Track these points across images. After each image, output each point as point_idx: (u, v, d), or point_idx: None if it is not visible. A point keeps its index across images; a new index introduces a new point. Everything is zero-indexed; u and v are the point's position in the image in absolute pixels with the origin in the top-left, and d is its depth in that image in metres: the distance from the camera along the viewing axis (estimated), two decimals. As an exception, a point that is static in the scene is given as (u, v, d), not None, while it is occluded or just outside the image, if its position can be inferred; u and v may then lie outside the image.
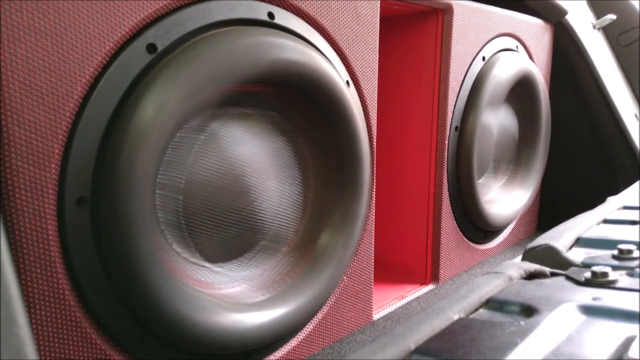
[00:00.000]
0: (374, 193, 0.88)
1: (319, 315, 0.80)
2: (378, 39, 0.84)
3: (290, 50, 0.66)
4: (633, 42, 1.51)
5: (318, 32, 0.75)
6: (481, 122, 1.08)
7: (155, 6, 0.56)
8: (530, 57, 1.28)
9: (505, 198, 1.24)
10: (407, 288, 1.05)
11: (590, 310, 0.46)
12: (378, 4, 0.83)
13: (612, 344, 0.39)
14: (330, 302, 0.82)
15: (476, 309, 0.51)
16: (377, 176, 1.10)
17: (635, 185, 1.07)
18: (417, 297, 1.01)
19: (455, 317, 0.48)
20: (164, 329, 0.58)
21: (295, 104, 0.73)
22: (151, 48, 0.56)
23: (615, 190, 1.28)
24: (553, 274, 0.60)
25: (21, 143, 0.48)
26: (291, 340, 0.75)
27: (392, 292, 1.02)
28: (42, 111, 0.49)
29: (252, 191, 0.71)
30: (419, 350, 0.41)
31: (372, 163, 0.86)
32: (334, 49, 0.77)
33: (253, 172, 0.71)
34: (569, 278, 0.58)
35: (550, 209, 1.43)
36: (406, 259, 1.11)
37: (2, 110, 0.47)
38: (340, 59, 0.79)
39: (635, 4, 1.51)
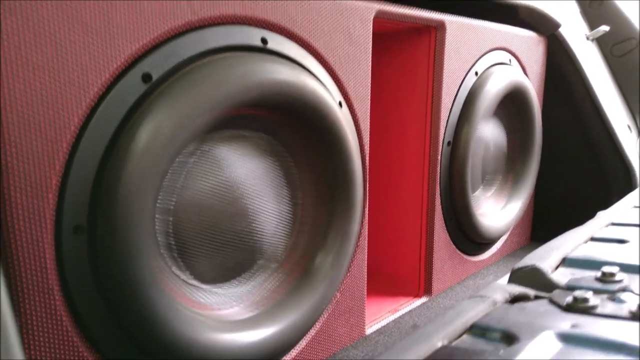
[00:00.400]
0: (367, 210, 0.90)
1: (312, 332, 0.82)
2: (370, 60, 0.86)
3: (283, 75, 0.68)
4: (626, 53, 1.52)
5: (311, 54, 0.76)
6: (474, 137, 1.09)
7: (151, 36, 0.57)
8: (524, 70, 1.29)
9: (498, 210, 1.25)
10: (401, 301, 1.06)
11: (568, 339, 0.48)
12: (370, 24, 0.85)
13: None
14: (323, 318, 0.84)
15: (460, 335, 0.52)
16: (371, 191, 1.12)
17: (625, 199, 1.09)
18: (410, 311, 1.03)
19: (439, 344, 0.49)
20: (162, 351, 0.59)
21: (288, 126, 0.75)
22: (146, 77, 0.58)
23: (609, 201, 1.30)
24: (537, 297, 0.62)
25: (20, 175, 0.50)
26: (285, 357, 0.77)
27: (386, 306, 1.04)
28: (39, 143, 0.51)
29: (248, 212, 0.73)
30: None
31: (365, 181, 0.88)
32: (326, 70, 0.79)
33: (249, 193, 0.73)
34: (552, 302, 0.59)
35: (544, 219, 1.45)
36: (400, 272, 1.12)
37: (1, 143, 0.48)
38: (333, 80, 0.80)
39: (630, 15, 1.53)
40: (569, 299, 0.57)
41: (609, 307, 0.55)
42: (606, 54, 1.54)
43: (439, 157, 1.05)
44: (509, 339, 0.49)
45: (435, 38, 1.02)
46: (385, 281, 1.13)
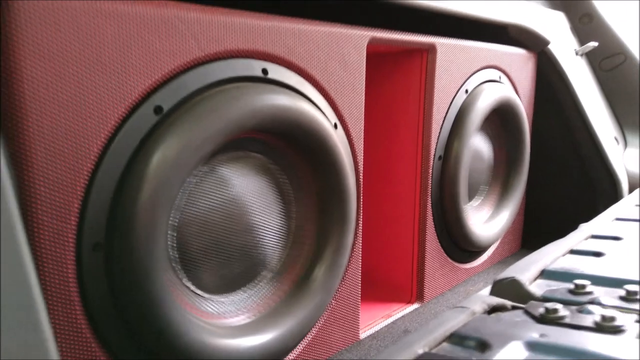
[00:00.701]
0: (360, 224, 0.95)
1: (309, 337, 0.88)
2: (364, 84, 0.92)
3: (282, 102, 0.74)
4: (614, 67, 1.58)
5: (308, 82, 0.82)
6: (464, 151, 1.15)
7: (162, 72, 0.64)
8: (514, 86, 1.35)
9: (488, 220, 1.31)
10: (394, 307, 1.12)
11: (535, 347, 0.53)
12: (364, 51, 0.91)
13: (546, 381, 0.47)
14: (319, 324, 0.89)
15: (440, 343, 0.58)
16: (366, 203, 1.18)
17: (608, 211, 1.14)
18: (403, 316, 1.09)
19: (420, 351, 0.55)
20: (173, 357, 0.65)
21: (287, 148, 0.81)
22: (158, 109, 0.64)
23: (595, 210, 1.36)
24: (514, 307, 0.68)
25: (45, 200, 0.56)
26: (283, 361, 0.83)
27: (379, 311, 1.09)
28: (63, 171, 0.57)
29: (246, 227, 0.79)
30: None
31: (359, 197, 0.94)
32: (323, 96, 0.85)
33: (248, 210, 0.79)
34: (526, 312, 0.65)
35: (534, 227, 1.51)
36: (393, 280, 1.18)
37: (30, 172, 0.54)
38: (329, 104, 0.86)
39: (617, 31, 1.58)
40: (541, 310, 0.63)
41: (577, 319, 0.60)
42: (595, 68, 1.60)
43: (430, 171, 1.11)
44: (483, 346, 0.55)
45: (426, 59, 1.08)
46: (380, 288, 1.19)
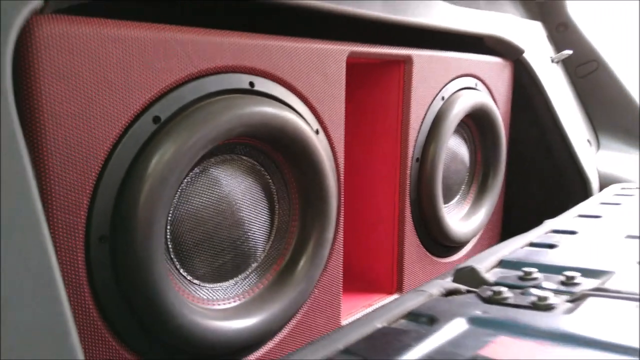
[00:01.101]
0: (341, 220, 1.05)
1: (293, 322, 0.97)
2: (344, 93, 1.01)
3: (267, 112, 0.83)
4: (589, 73, 1.67)
5: (292, 93, 0.92)
6: (440, 154, 1.25)
7: (160, 87, 0.73)
8: (490, 93, 1.44)
9: (466, 217, 1.40)
10: (374, 297, 1.21)
11: (474, 321, 0.63)
12: (344, 64, 1.00)
13: (478, 346, 0.56)
14: (303, 311, 0.99)
15: (398, 320, 0.67)
16: (349, 202, 1.27)
17: (575, 208, 1.24)
18: (382, 306, 1.18)
19: (379, 325, 0.64)
20: (169, 335, 0.75)
21: (274, 152, 0.90)
22: (156, 119, 0.73)
23: (566, 208, 1.45)
24: (468, 291, 0.77)
25: (60, 197, 0.65)
26: (268, 343, 0.92)
27: (361, 301, 1.19)
28: (74, 174, 0.66)
29: (239, 223, 0.88)
30: (345, 350, 0.58)
31: (339, 195, 1.03)
32: (305, 104, 0.94)
33: (236, 207, 0.88)
34: (477, 295, 0.74)
35: (511, 224, 1.60)
36: (375, 273, 1.28)
37: (46, 175, 0.64)
38: (311, 112, 0.96)
39: (591, 39, 1.68)
40: (489, 293, 0.72)
41: (518, 299, 0.70)
42: (571, 75, 1.70)
43: (409, 172, 1.21)
44: (432, 321, 0.64)
45: (404, 69, 1.17)
46: (362, 281, 1.28)
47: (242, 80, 0.83)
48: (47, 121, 0.63)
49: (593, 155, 1.58)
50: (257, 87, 0.85)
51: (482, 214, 1.43)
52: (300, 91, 0.93)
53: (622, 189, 1.37)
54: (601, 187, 1.51)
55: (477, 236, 1.48)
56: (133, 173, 0.71)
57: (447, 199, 1.39)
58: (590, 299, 0.68)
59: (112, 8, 0.77)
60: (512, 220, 1.59)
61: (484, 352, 0.54)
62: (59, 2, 0.66)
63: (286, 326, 0.96)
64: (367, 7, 1.04)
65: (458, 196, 1.43)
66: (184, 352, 0.79)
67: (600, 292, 0.70)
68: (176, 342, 0.76)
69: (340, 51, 0.99)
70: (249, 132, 0.83)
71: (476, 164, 1.46)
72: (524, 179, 1.58)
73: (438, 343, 0.58)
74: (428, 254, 1.30)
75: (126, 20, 0.70)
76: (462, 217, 1.40)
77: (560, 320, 0.61)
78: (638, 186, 1.38)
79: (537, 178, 1.57)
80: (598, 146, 1.63)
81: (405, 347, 0.57)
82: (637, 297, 0.66)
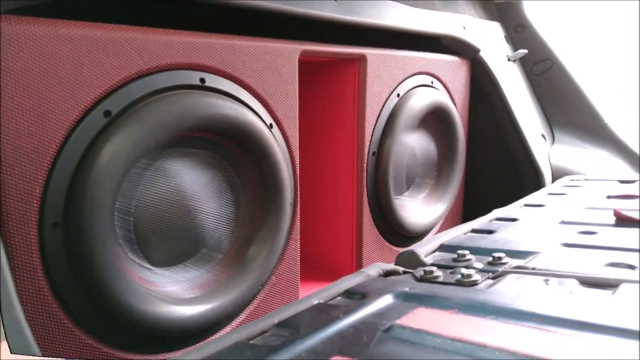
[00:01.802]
0: (297, 210, 1.10)
1: (251, 307, 1.02)
2: (297, 89, 1.06)
3: (217, 106, 0.88)
4: (544, 71, 1.75)
5: (244, 88, 0.96)
6: (396, 148, 1.30)
7: (110, 83, 0.77)
8: (447, 90, 1.51)
9: (425, 209, 1.46)
10: (334, 286, 1.26)
11: (399, 296, 0.68)
12: (296, 62, 1.05)
13: (397, 316, 0.61)
14: (260, 297, 1.04)
15: (334, 297, 0.72)
16: (309, 195, 1.32)
17: (523, 199, 1.30)
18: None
19: (315, 302, 0.69)
20: (121, 317, 0.79)
21: (226, 145, 0.95)
22: (107, 113, 0.78)
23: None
24: (405, 272, 0.82)
25: (11, 187, 0.69)
26: (226, 327, 0.97)
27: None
28: (27, 164, 0.70)
29: (192, 211, 0.93)
30: (279, 324, 0.63)
31: (295, 187, 1.08)
32: (258, 100, 0.99)
33: (196, 197, 0.93)
34: (412, 275, 0.80)
35: (471, 214, 1.66)
36: (335, 263, 1.33)
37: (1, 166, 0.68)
38: (264, 107, 1.01)
39: (546, 39, 1.75)
40: (422, 272, 0.78)
41: (446, 277, 0.75)
42: (527, 73, 1.77)
43: (365, 166, 1.26)
44: (364, 297, 0.69)
45: (358, 67, 1.23)
46: (323, 269, 1.34)
47: (192, 77, 0.88)
48: (3, 116, 0.67)
49: (547, 150, 1.65)
50: (208, 83, 0.90)
51: (441, 206, 1.49)
52: (253, 87, 0.97)
53: (571, 180, 1.45)
54: (554, 179, 1.58)
55: (437, 226, 1.54)
56: (85, 163, 0.75)
57: (407, 191, 1.45)
58: (510, 276, 0.74)
59: (68, 8, 0.82)
60: (471, 211, 1.65)
61: (400, 321, 0.60)
62: (10, 3, 0.70)
63: (243, 312, 1.00)
64: (320, 9, 1.09)
65: (418, 189, 1.49)
66: (138, 334, 0.83)
67: (520, 269, 0.76)
68: (128, 324, 0.80)
69: (292, 50, 1.04)
70: (201, 126, 0.87)
71: (436, 158, 1.52)
72: (482, 173, 1.65)
73: (363, 315, 0.63)
74: (387, 243, 1.36)
75: (77, 21, 0.75)
76: (420, 209, 1.46)
77: (477, 293, 0.67)
78: (586, 178, 1.45)
79: (494, 171, 1.64)
80: (553, 140, 1.70)
81: (333, 319, 0.62)
82: (549, 272, 0.72)
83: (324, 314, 0.65)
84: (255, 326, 0.63)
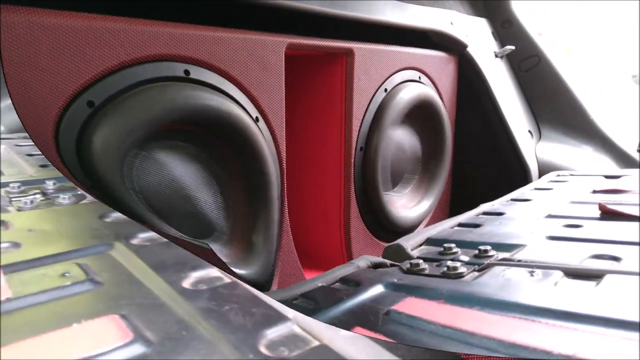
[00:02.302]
0: (285, 202, 1.09)
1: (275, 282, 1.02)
2: (283, 82, 1.05)
3: (201, 99, 0.87)
4: (531, 68, 1.76)
5: (229, 80, 0.95)
6: (384, 143, 1.30)
7: (92, 74, 0.76)
8: (435, 85, 1.51)
9: (412, 204, 1.47)
10: (321, 281, 1.26)
11: (389, 286, 0.68)
12: (282, 55, 1.04)
13: (388, 305, 0.61)
14: (277, 277, 1.04)
15: (333, 283, 0.73)
16: (298, 190, 1.32)
17: (510, 194, 1.31)
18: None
19: (320, 284, 0.70)
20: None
21: (212, 138, 0.94)
22: (90, 104, 0.76)
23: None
24: (392, 265, 0.82)
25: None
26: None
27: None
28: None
29: (179, 205, 0.91)
30: (303, 295, 0.65)
31: (282, 180, 1.07)
32: (244, 92, 0.98)
33: (183, 189, 0.91)
34: (399, 268, 0.80)
35: (459, 209, 1.67)
36: (326, 255, 1.33)
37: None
38: (250, 100, 1.00)
39: (533, 35, 1.76)
40: (408, 265, 0.78)
41: (432, 270, 0.75)
42: (515, 69, 1.78)
43: (353, 160, 1.26)
44: (357, 285, 0.70)
45: (346, 62, 1.22)
46: (319, 261, 1.33)
47: (176, 69, 0.87)
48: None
49: (534, 146, 1.66)
50: (192, 75, 0.89)
51: (428, 201, 1.49)
52: (239, 80, 0.96)
53: (557, 175, 1.46)
54: (541, 175, 1.59)
55: (425, 221, 1.54)
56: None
57: (394, 186, 1.45)
58: (495, 268, 0.74)
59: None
60: (458, 206, 1.66)
61: (395, 307, 0.60)
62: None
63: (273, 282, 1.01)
64: (308, 2, 1.09)
65: (405, 184, 1.49)
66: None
67: (505, 261, 0.76)
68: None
69: (278, 42, 1.03)
70: (185, 119, 0.86)
71: (424, 154, 1.52)
72: (469, 168, 1.65)
73: (361, 299, 0.64)
74: (374, 238, 1.36)
75: (57, 10, 0.73)
76: (408, 204, 1.46)
77: (463, 285, 0.67)
78: (572, 173, 1.46)
79: (481, 167, 1.64)
80: (539, 136, 1.71)
81: (340, 299, 0.63)
82: (535, 264, 0.72)
83: (332, 293, 0.66)
84: (286, 292, 0.65)
